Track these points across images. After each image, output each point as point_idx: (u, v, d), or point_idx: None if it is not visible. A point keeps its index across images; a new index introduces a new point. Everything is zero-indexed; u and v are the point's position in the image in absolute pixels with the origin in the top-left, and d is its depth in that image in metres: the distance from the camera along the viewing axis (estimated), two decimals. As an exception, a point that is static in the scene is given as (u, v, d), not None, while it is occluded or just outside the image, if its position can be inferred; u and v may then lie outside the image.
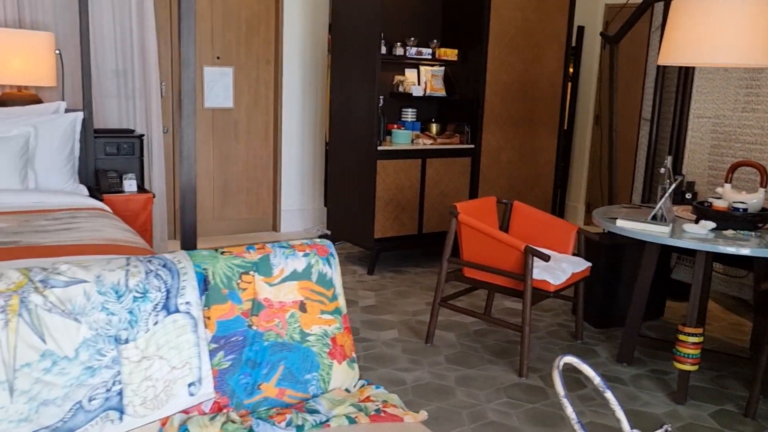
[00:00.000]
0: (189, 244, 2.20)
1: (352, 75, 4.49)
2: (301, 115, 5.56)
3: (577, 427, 1.13)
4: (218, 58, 5.17)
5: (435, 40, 4.80)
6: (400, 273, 4.53)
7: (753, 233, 2.68)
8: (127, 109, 4.41)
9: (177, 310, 1.59)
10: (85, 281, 1.52)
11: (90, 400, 1.46)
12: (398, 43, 4.56)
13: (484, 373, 2.95)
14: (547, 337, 3.41)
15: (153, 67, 4.38)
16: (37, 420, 1.41)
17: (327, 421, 1.62)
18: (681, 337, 2.72)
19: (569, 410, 1.12)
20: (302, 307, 1.76)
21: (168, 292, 1.59)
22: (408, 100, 4.91)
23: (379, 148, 4.33)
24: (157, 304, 1.57)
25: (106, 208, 3.15)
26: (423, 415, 1.74)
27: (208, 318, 1.64)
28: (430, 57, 4.69)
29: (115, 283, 1.55)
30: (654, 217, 2.77)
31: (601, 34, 3.61)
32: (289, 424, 1.59)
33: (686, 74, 3.57)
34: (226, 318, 1.66)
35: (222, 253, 1.74)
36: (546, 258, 2.79)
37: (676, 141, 3.63)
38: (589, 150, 6.38)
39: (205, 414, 1.59)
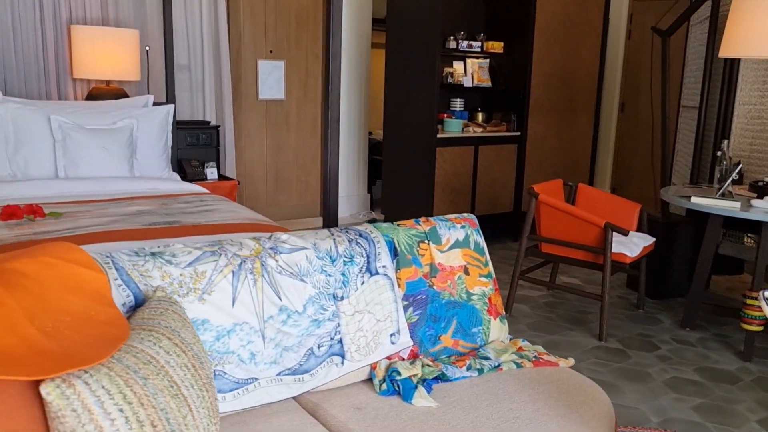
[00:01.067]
0: (332, 221, 2.47)
1: (410, 68, 4.76)
2: (347, 106, 5.81)
3: None
4: (271, 51, 5.41)
5: (482, 34, 5.07)
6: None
7: (812, 207, 3.00)
8: (196, 101, 4.65)
9: (377, 273, 1.86)
10: (306, 248, 1.79)
11: (319, 347, 1.74)
12: (451, 37, 4.83)
13: (566, 338, 3.26)
14: (611, 308, 3.73)
15: (225, 61, 4.61)
16: (281, 363, 1.68)
17: (499, 365, 1.91)
18: (748, 301, 3.04)
19: None
20: (466, 271, 2.05)
21: (368, 257, 1.87)
22: (456, 90, 5.19)
23: (438, 135, 4.60)
24: (361, 267, 1.84)
25: (212, 193, 3.40)
26: (572, 360, 2.04)
27: (399, 279, 1.92)
28: (479, 50, 4.96)
29: (328, 250, 1.82)
30: (722, 195, 3.08)
31: (653, 28, 3.90)
32: (469, 368, 1.88)
33: (731, 65, 3.88)
34: (412, 279, 1.94)
35: (398, 225, 2.02)
36: (626, 233, 3.10)
37: (722, 127, 3.94)
38: (614, 137, 6.71)
39: (403, 360, 1.87)
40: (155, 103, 3.95)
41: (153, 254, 1.60)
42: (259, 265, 1.70)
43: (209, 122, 4.46)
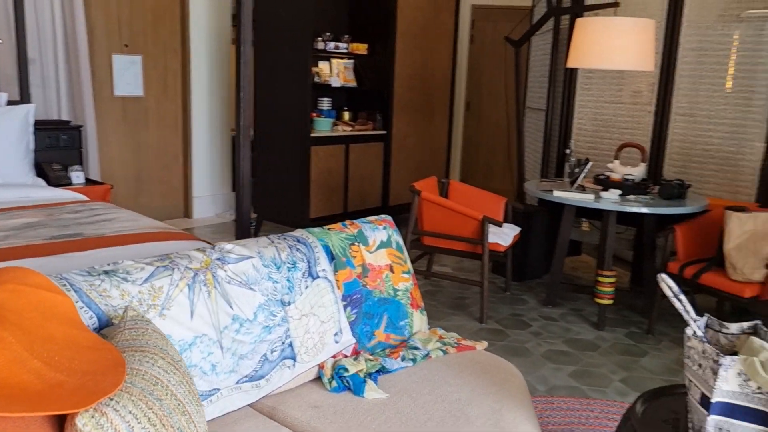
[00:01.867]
0: (245, 232, 2.49)
1: (281, 67, 4.78)
2: (210, 104, 5.67)
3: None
4: (126, 46, 5.12)
5: (347, 35, 5.23)
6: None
7: (647, 197, 3.57)
8: (48, 99, 4.28)
9: (318, 276, 1.95)
10: (251, 257, 1.83)
11: (272, 352, 1.79)
12: (318, 38, 4.93)
13: (451, 323, 3.55)
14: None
15: (83, 56, 4.30)
16: (239, 371, 1.72)
17: (428, 354, 2.10)
18: (600, 278, 3.54)
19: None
20: (391, 269, 2.20)
21: (309, 262, 1.95)
22: (323, 89, 5.30)
23: (312, 135, 4.70)
24: (304, 272, 1.92)
25: (93, 200, 3.21)
26: (485, 344, 2.28)
27: (338, 281, 2.02)
28: (345, 51, 5.12)
29: (273, 257, 1.87)
30: (578, 188, 3.55)
31: (507, 38, 4.32)
32: (404, 359, 2.04)
33: (571, 73, 4.43)
34: (348, 280, 2.05)
35: (329, 229, 2.12)
36: (500, 224, 3.45)
37: (565, 127, 4.49)
38: (462, 133, 7.25)
39: (347, 357, 1.98)
40: (9, 102, 3.61)
41: (107, 273, 1.56)
42: (211, 276, 1.72)
43: (69, 122, 4.15)
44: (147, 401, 1.11)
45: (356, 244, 2.13)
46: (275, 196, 5.02)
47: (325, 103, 5.30)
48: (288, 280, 1.88)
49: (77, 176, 3.84)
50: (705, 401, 1.51)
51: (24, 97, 3.69)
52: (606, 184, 3.69)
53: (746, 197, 3.86)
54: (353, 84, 5.37)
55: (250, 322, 1.76)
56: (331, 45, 4.99)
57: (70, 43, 4.29)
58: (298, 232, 2.05)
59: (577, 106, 4.47)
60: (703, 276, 3.20)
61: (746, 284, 3.04)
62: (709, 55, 3.94)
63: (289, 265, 1.90)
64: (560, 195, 3.47)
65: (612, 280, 3.54)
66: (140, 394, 1.12)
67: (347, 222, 2.20)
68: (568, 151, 3.98)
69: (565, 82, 4.49)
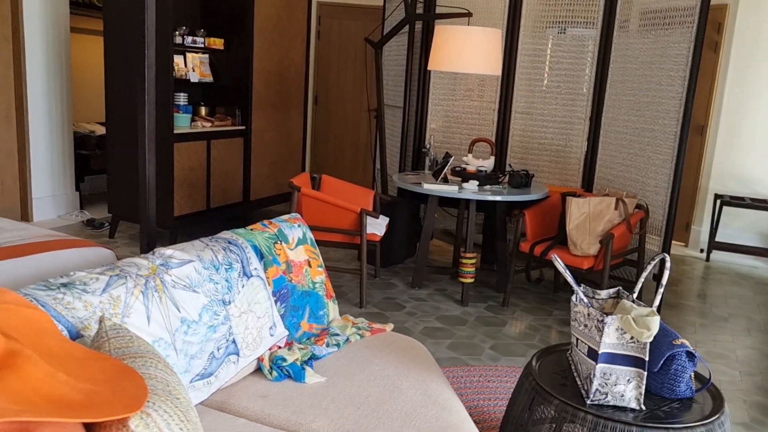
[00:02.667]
0: (152, 243, 2.50)
1: (137, 60, 4.60)
2: (47, 97, 5.27)
3: (576, 288, 2.10)
4: (-53, 32, 4.58)
5: (202, 30, 5.16)
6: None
7: (499, 186, 4.06)
8: None
9: (252, 275, 2.07)
10: (192, 260, 1.90)
11: (218, 349, 1.89)
12: (176, 32, 4.81)
13: (335, 310, 3.77)
14: (354, 279, 4.37)
15: None
16: (191, 370, 1.80)
17: (347, 339, 2.31)
18: (462, 260, 3.98)
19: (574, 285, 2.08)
20: (309, 264, 2.37)
21: (242, 262, 2.06)
22: (179, 85, 5.18)
23: (175, 131, 4.61)
24: (239, 272, 2.03)
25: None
26: (391, 325, 2.55)
27: (267, 278, 2.15)
28: (202, 45, 5.05)
29: (211, 260, 1.96)
30: (442, 180, 3.94)
31: (366, 39, 4.59)
32: (329, 345, 2.23)
33: (425, 73, 4.83)
34: (275, 277, 2.19)
35: (252, 229, 2.23)
36: (377, 216, 3.73)
37: (420, 123, 4.89)
38: (311, 126, 7.44)
39: (281, 348, 2.13)
40: None
41: (65, 285, 1.56)
42: (159, 282, 1.77)
43: None
44: (172, 400, 1.20)
45: (279, 242, 2.27)
46: (132, 194, 4.84)
47: (182, 99, 5.18)
48: (226, 280, 1.98)
49: None
50: (592, 353, 1.91)
51: None
52: (464, 175, 4.13)
53: (573, 184, 4.55)
54: (209, 79, 5.31)
55: (196, 323, 1.84)
56: (189, 39, 4.90)
57: None
58: (227, 234, 2.14)
59: (431, 104, 4.89)
60: (549, 252, 3.76)
61: (584, 258, 3.64)
62: (541, 60, 4.55)
63: (226, 267, 2.00)
64: (430, 187, 3.83)
65: (474, 261, 3.99)
66: (162, 394, 1.20)
67: (266, 222, 2.33)
68: (427, 146, 4.37)
69: (419, 81, 4.88)
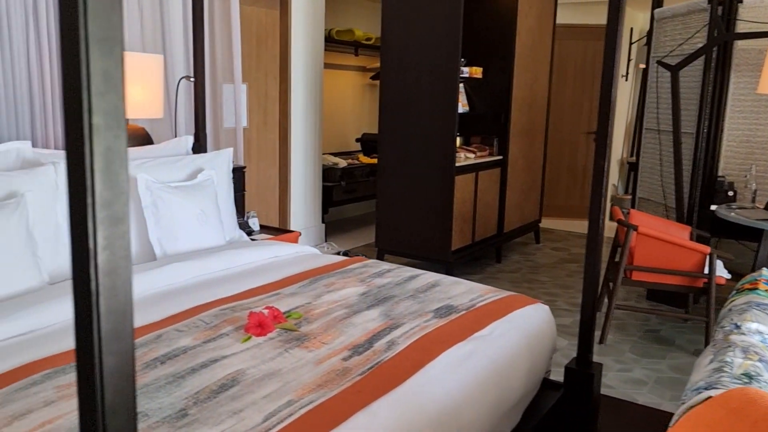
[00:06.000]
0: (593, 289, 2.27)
1: (420, 95, 4.54)
2: (304, 131, 5.35)
3: None
4: (222, 75, 4.72)
5: (462, 59, 5.04)
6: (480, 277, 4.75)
7: None
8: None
9: None
10: None
11: None
12: (448, 63, 4.72)
13: (678, 361, 3.43)
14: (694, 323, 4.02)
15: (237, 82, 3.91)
16: None
17: None
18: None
19: None
20: None
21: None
22: (438, 115, 5.09)
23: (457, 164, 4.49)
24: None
25: (319, 252, 2.89)
26: None
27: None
28: (466, 75, 4.93)
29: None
30: (791, 216, 3.52)
31: (660, 62, 4.26)
32: None
33: (721, 96, 4.42)
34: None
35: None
36: (731, 258, 3.36)
37: (713, 150, 4.47)
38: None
39: None
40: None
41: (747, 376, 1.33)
42: (771, 365, 1.52)
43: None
44: None
45: (793, 306, 1.97)
46: (400, 227, 4.76)
47: (443, 130, 5.08)
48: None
49: (254, 222, 3.48)
50: None
51: (201, 141, 3.30)
52: (798, 209, 3.68)
53: None
54: (466, 108, 5.18)
55: None
56: (465, 70, 4.79)
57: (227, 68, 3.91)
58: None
59: (727, 129, 4.46)
60: None
61: None
62: None
63: None
64: (785, 225, 3.42)
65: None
66: None
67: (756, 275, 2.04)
68: (746, 176, 3.95)
69: (712, 105, 4.47)
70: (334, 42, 5.89)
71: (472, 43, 5.24)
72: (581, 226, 6.83)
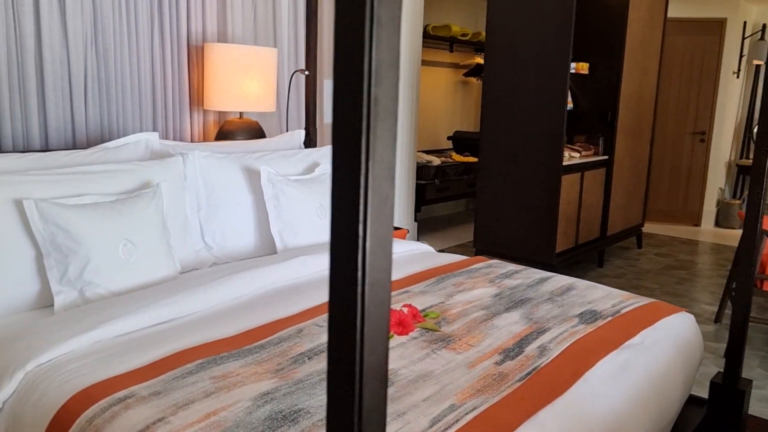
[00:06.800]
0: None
1: (526, 91, 4.39)
2: (400, 128, 5.28)
3: None
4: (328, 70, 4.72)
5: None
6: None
7: None
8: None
9: None
10: None
11: None
12: (554, 58, 4.54)
13: (815, 380, 3.14)
14: (792, 338, 3.71)
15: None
16: None
17: None
18: None
19: None
20: None
21: None
22: (541, 113, 4.91)
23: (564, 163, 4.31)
24: None
25: (435, 251, 2.80)
26: None
27: None
28: (573, 71, 4.73)
29: None
30: None
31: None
32: None
33: None
34: None
35: None
36: None
37: None
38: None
39: None
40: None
41: None
42: None
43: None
44: None
45: None
46: (500, 228, 4.62)
47: (545, 128, 4.90)
48: None
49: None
50: None
51: (311, 134, 3.28)
52: None
53: None
54: (570, 106, 4.98)
55: None
56: (572, 66, 4.60)
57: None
58: None
59: None
60: None
61: None
62: None
63: None
64: None
65: None
66: None
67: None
68: None
69: None
70: (429, 38, 5.80)
71: (578, 37, 5.03)
72: (685, 231, 6.46)
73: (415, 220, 5.69)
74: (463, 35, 6.09)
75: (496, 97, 4.55)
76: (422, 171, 5.72)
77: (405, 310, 1.77)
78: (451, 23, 6.03)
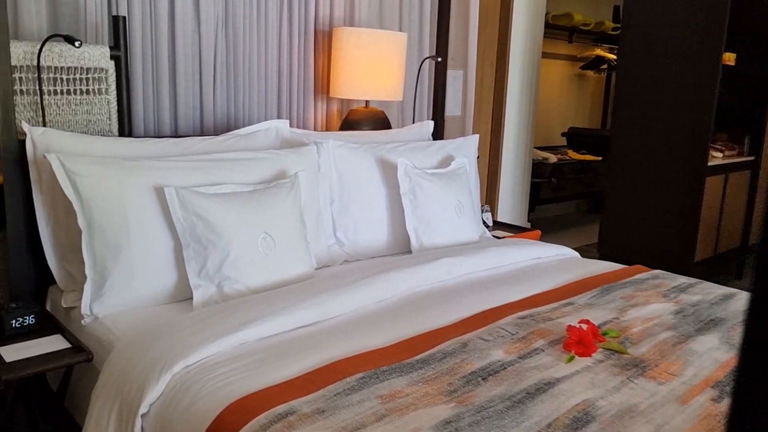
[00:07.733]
0: None
1: (667, 85, 3.99)
2: (517, 123, 4.98)
3: None
4: (452, 59, 4.49)
5: (712, 43, 4.38)
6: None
7: None
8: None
9: None
10: None
11: None
12: (698, 46, 4.10)
13: None
14: None
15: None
16: None
17: None
18: None
19: None
20: None
21: None
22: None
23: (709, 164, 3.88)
24: None
25: (575, 254, 2.51)
26: None
27: None
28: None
29: None
30: None
31: None
32: None
33: None
34: None
35: None
36: None
37: None
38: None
39: None
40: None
41: None
42: None
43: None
44: None
45: None
46: (630, 232, 4.23)
47: (682, 124, 4.47)
48: None
49: (487, 217, 3.19)
50: None
51: (438, 125, 3.07)
52: None
53: None
54: (710, 100, 4.51)
55: None
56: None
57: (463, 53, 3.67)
58: None
59: None
60: None
61: None
62: None
63: None
64: None
65: None
66: None
67: None
68: None
69: None
70: (549, 27, 5.46)
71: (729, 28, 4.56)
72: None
73: (528, 220, 5.37)
74: (585, 24, 5.69)
75: (631, 92, 4.17)
76: (538, 168, 5.39)
77: (584, 326, 1.51)
78: (574, 12, 5.65)
